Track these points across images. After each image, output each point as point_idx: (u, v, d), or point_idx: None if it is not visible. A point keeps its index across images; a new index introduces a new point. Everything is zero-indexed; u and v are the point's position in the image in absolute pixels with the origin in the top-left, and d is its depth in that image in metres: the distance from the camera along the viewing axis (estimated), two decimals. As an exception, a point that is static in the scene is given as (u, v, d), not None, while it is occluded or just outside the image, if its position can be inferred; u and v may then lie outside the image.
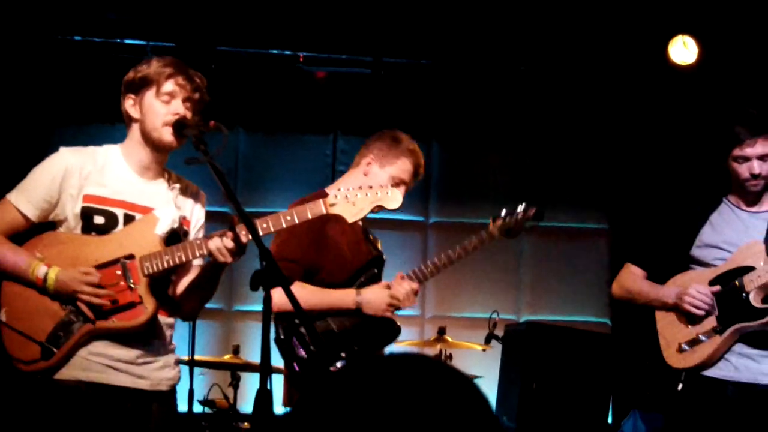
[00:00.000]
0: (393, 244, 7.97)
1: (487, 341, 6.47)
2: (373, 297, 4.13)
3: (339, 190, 3.36)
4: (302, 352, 4.04)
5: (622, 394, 7.43)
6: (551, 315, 8.15)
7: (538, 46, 7.56)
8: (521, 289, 8.35)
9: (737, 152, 4.12)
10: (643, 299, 4.34)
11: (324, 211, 3.34)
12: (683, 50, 7.21)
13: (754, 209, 4.23)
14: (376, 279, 4.27)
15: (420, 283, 4.26)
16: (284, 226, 3.32)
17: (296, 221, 3.33)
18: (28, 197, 3.36)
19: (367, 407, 1.35)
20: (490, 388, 7.07)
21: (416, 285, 4.24)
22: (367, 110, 7.97)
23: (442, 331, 6.40)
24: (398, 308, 4.19)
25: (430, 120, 8.22)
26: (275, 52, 7.65)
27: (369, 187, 3.37)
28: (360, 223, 4.22)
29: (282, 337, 4.05)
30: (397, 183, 4.22)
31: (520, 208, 4.44)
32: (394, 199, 3.39)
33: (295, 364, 4.03)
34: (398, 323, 4.26)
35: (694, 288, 4.12)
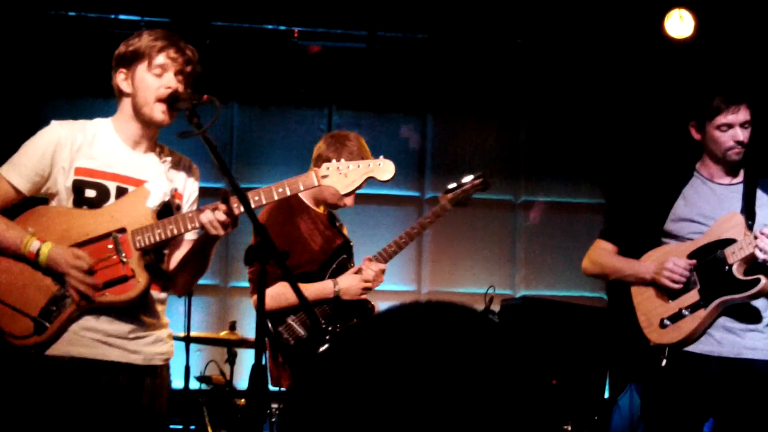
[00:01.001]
0: (389, 220, 7.97)
1: (483, 316, 6.47)
2: (348, 284, 4.46)
3: (331, 161, 3.36)
4: (290, 341, 4.38)
5: (619, 368, 7.44)
6: (547, 290, 8.16)
7: (534, 19, 7.52)
8: (517, 265, 8.35)
9: (721, 120, 4.08)
10: (617, 275, 4.30)
11: (316, 183, 3.33)
12: (679, 23, 7.18)
13: (726, 181, 4.19)
14: (345, 264, 4.58)
15: (385, 262, 4.57)
16: (276, 198, 3.31)
17: (288, 193, 3.32)
18: (20, 171, 3.34)
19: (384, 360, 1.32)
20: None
21: (383, 265, 4.55)
22: (362, 84, 7.96)
23: (438, 306, 6.40)
24: (370, 289, 4.54)
25: (425, 94, 8.20)
26: (270, 26, 7.61)
27: (361, 158, 3.36)
28: (323, 212, 4.60)
29: (272, 331, 4.37)
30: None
31: (467, 179, 4.71)
32: (387, 170, 3.38)
33: (279, 355, 4.33)
34: (371, 303, 4.61)
35: (671, 261, 4.07)
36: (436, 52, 7.84)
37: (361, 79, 7.95)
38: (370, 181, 3.41)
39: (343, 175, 3.33)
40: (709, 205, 4.15)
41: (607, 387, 7.12)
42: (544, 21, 7.54)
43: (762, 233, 3.89)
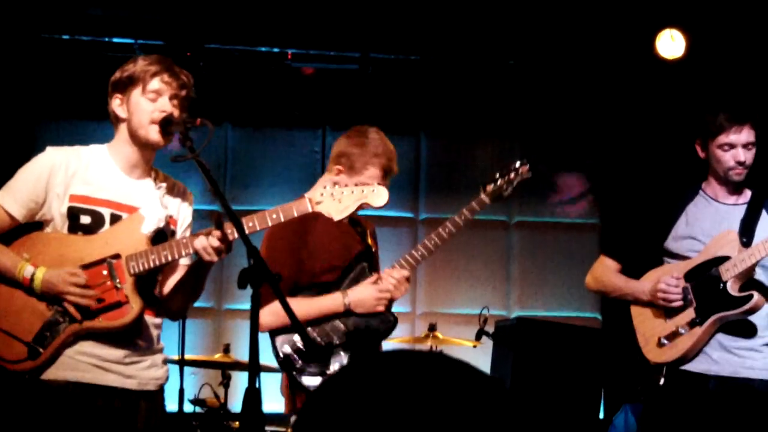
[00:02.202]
0: (384, 241, 7.93)
1: (478, 337, 6.47)
2: (361, 295, 4.09)
3: (325, 188, 3.36)
4: (299, 362, 4.03)
5: (614, 388, 7.43)
6: (542, 310, 8.16)
7: (527, 40, 7.56)
8: (511, 285, 8.36)
9: (722, 139, 4.05)
10: (616, 293, 4.32)
11: (309, 209, 3.34)
12: (670, 43, 7.22)
13: (731, 201, 4.19)
14: (365, 273, 4.20)
15: (412, 268, 4.21)
16: (270, 224, 3.32)
17: (282, 219, 3.32)
18: (15, 197, 3.35)
19: (372, 405, 1.33)
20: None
21: (406, 272, 4.17)
22: (356, 106, 7.97)
23: (432, 328, 6.40)
24: (391, 300, 4.14)
25: (419, 115, 8.23)
26: (263, 49, 7.64)
27: (354, 184, 3.37)
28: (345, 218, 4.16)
29: (280, 355, 4.02)
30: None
31: (515, 165, 4.32)
32: (380, 196, 3.38)
33: (294, 374, 4.02)
34: (394, 315, 4.21)
35: (664, 281, 4.08)
36: (429, 73, 7.87)
37: (355, 100, 7.97)
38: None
39: (336, 200, 3.34)
40: (710, 224, 4.14)
41: (602, 407, 7.11)
42: (536, 41, 7.58)
43: None
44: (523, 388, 6.41)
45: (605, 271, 4.35)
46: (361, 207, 3.41)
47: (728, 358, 4.04)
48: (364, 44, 7.61)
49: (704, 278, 4.06)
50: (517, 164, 4.32)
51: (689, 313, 4.06)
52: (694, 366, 4.06)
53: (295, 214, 3.35)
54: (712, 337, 4.04)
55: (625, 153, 8.19)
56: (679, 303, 4.08)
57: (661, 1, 7.08)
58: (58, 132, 7.35)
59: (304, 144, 8.16)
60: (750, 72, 7.15)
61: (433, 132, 8.42)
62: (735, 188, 4.19)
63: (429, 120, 8.31)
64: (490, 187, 4.32)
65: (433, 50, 7.72)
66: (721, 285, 4.01)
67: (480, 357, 7.03)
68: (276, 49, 7.63)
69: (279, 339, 4.03)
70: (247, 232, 3.21)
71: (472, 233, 8.25)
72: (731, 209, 4.17)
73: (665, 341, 4.09)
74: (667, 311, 4.12)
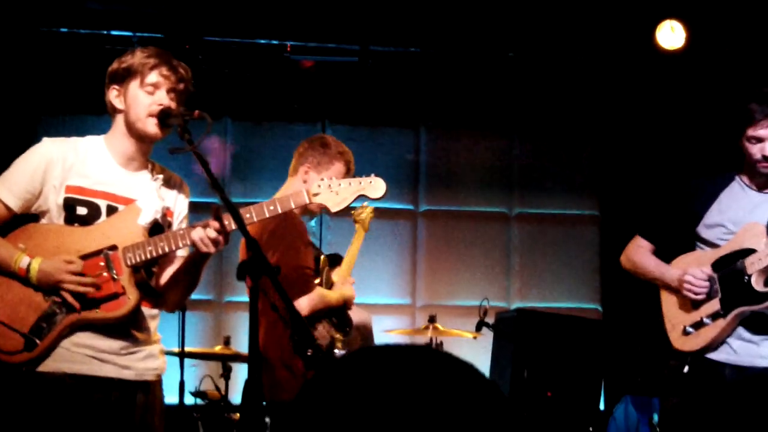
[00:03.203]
0: (383, 233, 7.98)
1: (478, 329, 6.47)
2: (349, 292, 4.57)
3: (322, 180, 3.37)
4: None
5: (614, 379, 7.44)
6: (542, 302, 8.16)
7: (526, 32, 7.56)
8: (511, 277, 8.36)
9: (751, 132, 4.04)
10: (648, 276, 4.33)
11: (307, 201, 3.35)
12: (671, 35, 7.21)
13: (766, 191, 4.16)
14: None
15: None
16: (267, 215, 3.32)
17: (279, 211, 3.33)
18: (11, 188, 3.35)
19: (366, 398, 1.34)
20: (481, 375, 7.06)
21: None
22: (355, 99, 7.98)
23: (432, 319, 6.39)
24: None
25: (418, 108, 8.23)
26: (262, 41, 7.63)
27: (352, 176, 3.40)
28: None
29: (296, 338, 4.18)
30: None
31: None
32: (378, 188, 3.40)
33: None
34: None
35: (690, 274, 4.10)
36: (429, 66, 7.87)
37: (354, 93, 7.97)
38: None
39: (334, 192, 3.35)
40: (742, 211, 4.13)
41: (602, 398, 7.12)
42: (536, 34, 7.57)
43: None
44: (524, 379, 6.41)
45: (638, 251, 4.36)
46: (357, 199, 3.42)
47: (747, 347, 4.06)
48: (364, 37, 7.61)
49: (729, 270, 4.06)
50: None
51: (714, 304, 4.08)
52: (713, 354, 4.09)
53: (293, 206, 3.35)
54: (735, 329, 4.06)
55: (625, 145, 8.19)
56: (704, 297, 4.10)
57: (661, -7, 7.08)
58: (57, 125, 7.36)
59: (303, 137, 8.11)
60: (750, 64, 7.14)
61: (433, 124, 8.42)
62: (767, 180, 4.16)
63: (428, 112, 8.31)
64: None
65: (432, 43, 7.72)
66: (746, 279, 4.01)
67: (480, 348, 7.04)
68: (275, 42, 7.62)
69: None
70: (244, 223, 3.21)
71: (472, 225, 8.27)
72: (766, 199, 4.15)
73: (690, 330, 4.13)
74: (693, 301, 4.14)
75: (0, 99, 7.26)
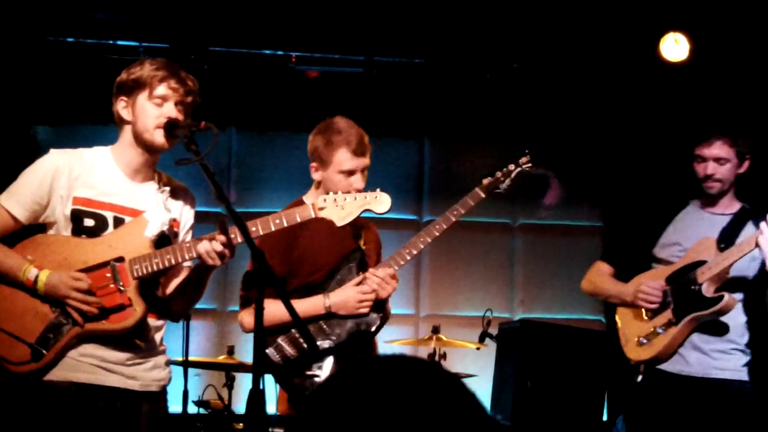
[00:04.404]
0: (387, 244, 7.96)
1: (482, 339, 6.46)
2: (343, 298, 4.08)
3: (327, 194, 3.39)
4: (279, 361, 4.06)
5: (617, 391, 7.43)
6: (545, 313, 8.16)
7: (531, 43, 7.57)
8: (515, 287, 8.36)
9: (697, 151, 4.29)
10: (606, 294, 4.56)
11: (312, 215, 3.37)
12: (674, 47, 7.22)
13: (718, 211, 4.36)
14: (352, 273, 4.17)
15: (399, 265, 4.15)
16: (273, 229, 3.35)
17: (285, 224, 3.35)
18: (18, 199, 3.37)
19: (360, 410, 1.34)
20: (484, 386, 7.07)
21: (391, 270, 4.10)
22: (360, 109, 7.96)
23: (436, 330, 6.40)
24: (376, 299, 4.10)
25: (423, 118, 8.24)
26: (268, 52, 7.65)
27: (357, 190, 3.41)
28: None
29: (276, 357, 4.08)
30: (350, 172, 4.09)
31: (517, 159, 4.45)
32: (383, 203, 3.43)
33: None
34: (383, 315, 4.18)
35: (645, 284, 4.28)
36: (434, 77, 7.88)
37: (359, 104, 7.97)
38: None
39: (339, 207, 3.37)
40: (694, 231, 4.33)
41: (605, 409, 7.11)
42: (541, 45, 7.58)
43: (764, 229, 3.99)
44: (527, 390, 6.41)
45: (598, 275, 4.57)
46: (363, 212, 3.44)
47: (701, 359, 4.23)
48: (369, 47, 7.62)
49: (682, 281, 4.24)
50: (520, 158, 4.43)
51: (667, 314, 4.26)
52: (670, 366, 4.26)
53: (299, 220, 3.37)
54: (687, 337, 4.22)
55: (629, 156, 8.19)
56: (657, 305, 4.27)
57: (665, 5, 7.08)
58: (62, 135, 7.37)
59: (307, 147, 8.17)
60: (754, 76, 7.16)
61: (437, 135, 8.43)
62: (715, 200, 4.36)
63: (433, 123, 8.32)
64: (486, 181, 4.37)
65: (437, 54, 7.73)
66: (697, 287, 4.18)
67: (484, 359, 7.04)
68: (280, 52, 7.64)
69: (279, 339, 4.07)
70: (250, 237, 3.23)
71: (475, 236, 8.27)
72: (719, 219, 4.35)
73: (644, 340, 4.29)
74: (648, 313, 4.32)
75: (7, 108, 7.27)
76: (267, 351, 4.04)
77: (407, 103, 8.06)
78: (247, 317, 4.01)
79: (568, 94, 8.07)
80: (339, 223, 3.38)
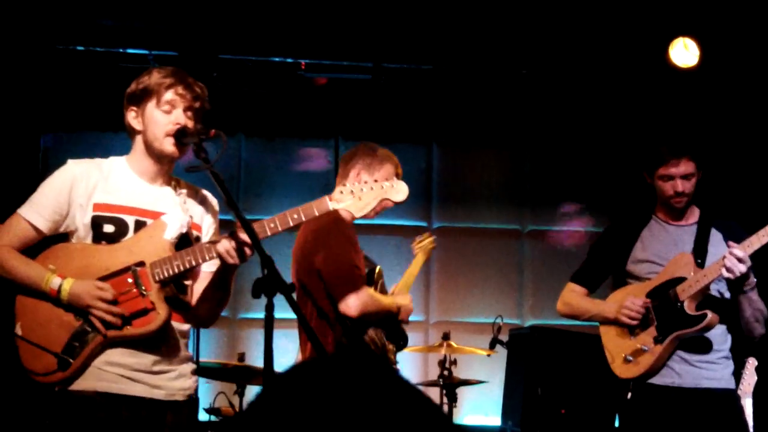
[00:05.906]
0: (396, 250, 7.97)
1: (492, 346, 6.47)
2: (406, 302, 4.38)
3: (344, 185, 3.37)
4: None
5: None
6: (556, 319, 8.12)
7: (539, 49, 7.57)
8: (524, 293, 8.35)
9: (662, 171, 4.37)
10: (586, 315, 4.57)
11: (330, 207, 3.34)
12: (684, 52, 7.21)
13: (681, 223, 4.45)
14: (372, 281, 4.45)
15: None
16: (291, 224, 3.32)
17: (303, 219, 3.33)
18: (39, 210, 3.38)
19: (313, 409, 1.34)
20: (494, 393, 7.06)
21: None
22: (368, 115, 7.99)
23: (446, 336, 6.39)
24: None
25: (431, 125, 8.24)
26: (277, 59, 7.67)
27: (374, 181, 3.38)
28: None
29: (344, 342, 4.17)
30: None
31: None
32: (400, 191, 3.39)
33: None
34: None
35: (628, 300, 4.33)
36: (442, 83, 7.89)
37: (367, 110, 8.00)
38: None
39: (357, 198, 3.34)
40: (664, 246, 4.41)
41: (616, 417, 7.09)
42: (549, 51, 7.58)
43: (730, 253, 4.09)
44: (537, 396, 6.40)
45: (573, 296, 4.61)
46: (381, 204, 3.43)
47: (689, 370, 4.28)
48: (377, 54, 7.63)
49: (664, 298, 4.30)
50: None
51: (651, 332, 4.31)
52: (659, 380, 4.30)
53: (316, 213, 3.34)
54: (672, 353, 4.28)
55: (637, 162, 8.17)
56: (638, 322, 4.33)
57: (675, 10, 7.08)
58: (73, 143, 7.39)
59: (317, 154, 8.19)
60: (763, 81, 7.14)
61: (445, 141, 8.43)
62: (681, 212, 4.45)
63: (441, 129, 8.33)
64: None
65: (445, 60, 7.74)
66: (679, 305, 4.25)
67: (494, 366, 7.03)
68: (289, 60, 7.66)
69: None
70: (269, 233, 3.24)
71: (485, 242, 8.27)
72: (682, 230, 4.44)
73: (630, 358, 4.34)
74: (631, 330, 4.38)
75: (18, 116, 7.29)
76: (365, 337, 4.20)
77: (415, 109, 8.07)
78: (357, 300, 4.08)
79: (577, 101, 8.06)
80: (357, 214, 3.36)
